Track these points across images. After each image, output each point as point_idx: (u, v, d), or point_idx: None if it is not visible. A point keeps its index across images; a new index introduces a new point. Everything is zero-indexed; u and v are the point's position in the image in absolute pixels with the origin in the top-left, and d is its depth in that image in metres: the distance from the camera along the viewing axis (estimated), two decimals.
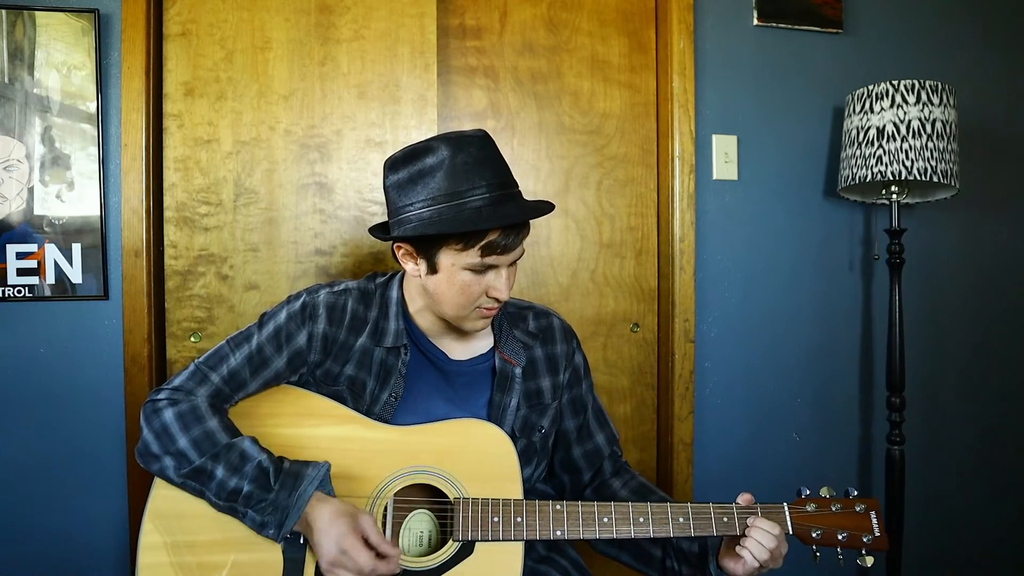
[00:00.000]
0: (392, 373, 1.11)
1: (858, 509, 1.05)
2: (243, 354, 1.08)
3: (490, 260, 1.02)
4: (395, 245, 1.08)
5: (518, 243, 1.03)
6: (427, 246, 1.03)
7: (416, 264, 1.07)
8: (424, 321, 1.14)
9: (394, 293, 1.14)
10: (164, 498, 1.03)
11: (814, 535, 1.04)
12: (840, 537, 1.04)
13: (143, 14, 1.55)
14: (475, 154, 1.02)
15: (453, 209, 0.99)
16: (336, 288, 1.14)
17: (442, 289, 1.05)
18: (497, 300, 1.05)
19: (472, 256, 1.01)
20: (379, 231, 1.13)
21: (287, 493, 0.97)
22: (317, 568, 1.00)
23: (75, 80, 1.55)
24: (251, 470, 0.98)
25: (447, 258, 1.02)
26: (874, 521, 1.05)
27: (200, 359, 1.09)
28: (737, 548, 1.01)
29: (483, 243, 1.00)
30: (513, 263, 1.06)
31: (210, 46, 1.63)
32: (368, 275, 1.19)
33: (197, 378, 1.06)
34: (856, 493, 1.07)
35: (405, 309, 1.14)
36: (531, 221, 1.04)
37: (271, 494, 0.97)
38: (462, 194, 1.00)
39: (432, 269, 1.05)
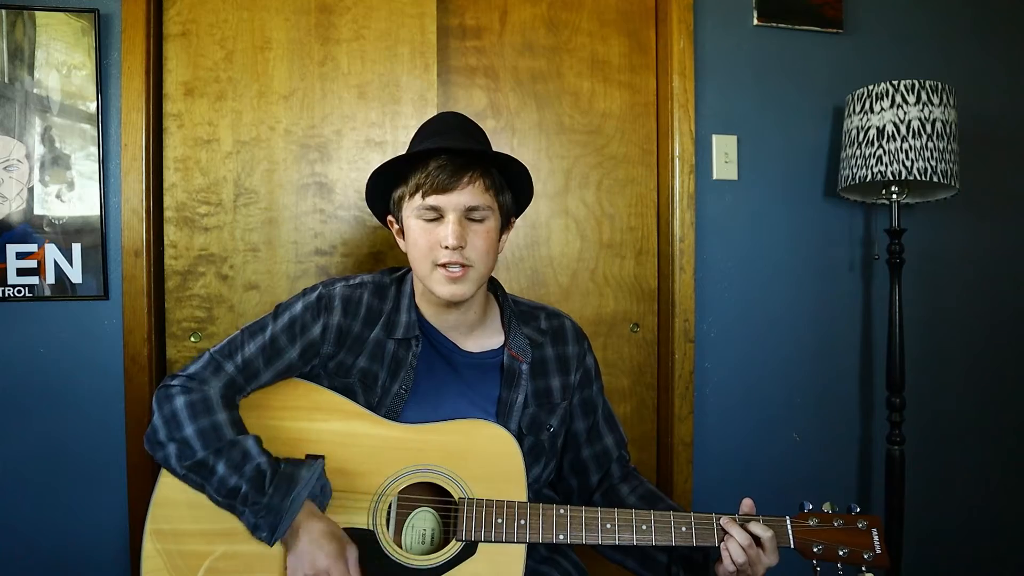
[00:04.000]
0: (403, 366, 1.12)
1: (860, 526, 1.04)
2: (257, 344, 1.08)
3: (431, 200, 1.04)
4: (389, 222, 1.16)
5: (457, 182, 1.03)
6: (397, 209, 1.11)
7: (402, 237, 1.12)
8: (427, 308, 1.15)
9: (408, 287, 1.16)
10: (170, 486, 1.03)
11: (815, 550, 1.03)
12: (841, 553, 1.03)
13: (143, 14, 1.55)
14: (438, 120, 1.13)
15: (402, 158, 1.08)
16: (352, 281, 1.15)
17: (409, 249, 1.09)
18: (447, 248, 1.03)
19: (417, 199, 1.05)
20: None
21: (280, 497, 0.97)
22: None
23: (75, 80, 1.55)
24: (250, 471, 0.98)
25: (406, 212, 1.08)
26: (876, 538, 1.04)
27: (214, 348, 1.09)
28: (721, 547, 1.02)
29: (420, 178, 1.04)
30: (473, 217, 1.06)
31: (210, 46, 1.62)
32: (384, 269, 1.21)
33: (211, 367, 1.07)
34: (859, 509, 1.07)
35: (416, 302, 1.16)
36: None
37: (265, 497, 0.97)
38: (414, 146, 1.10)
39: (403, 232, 1.11)
